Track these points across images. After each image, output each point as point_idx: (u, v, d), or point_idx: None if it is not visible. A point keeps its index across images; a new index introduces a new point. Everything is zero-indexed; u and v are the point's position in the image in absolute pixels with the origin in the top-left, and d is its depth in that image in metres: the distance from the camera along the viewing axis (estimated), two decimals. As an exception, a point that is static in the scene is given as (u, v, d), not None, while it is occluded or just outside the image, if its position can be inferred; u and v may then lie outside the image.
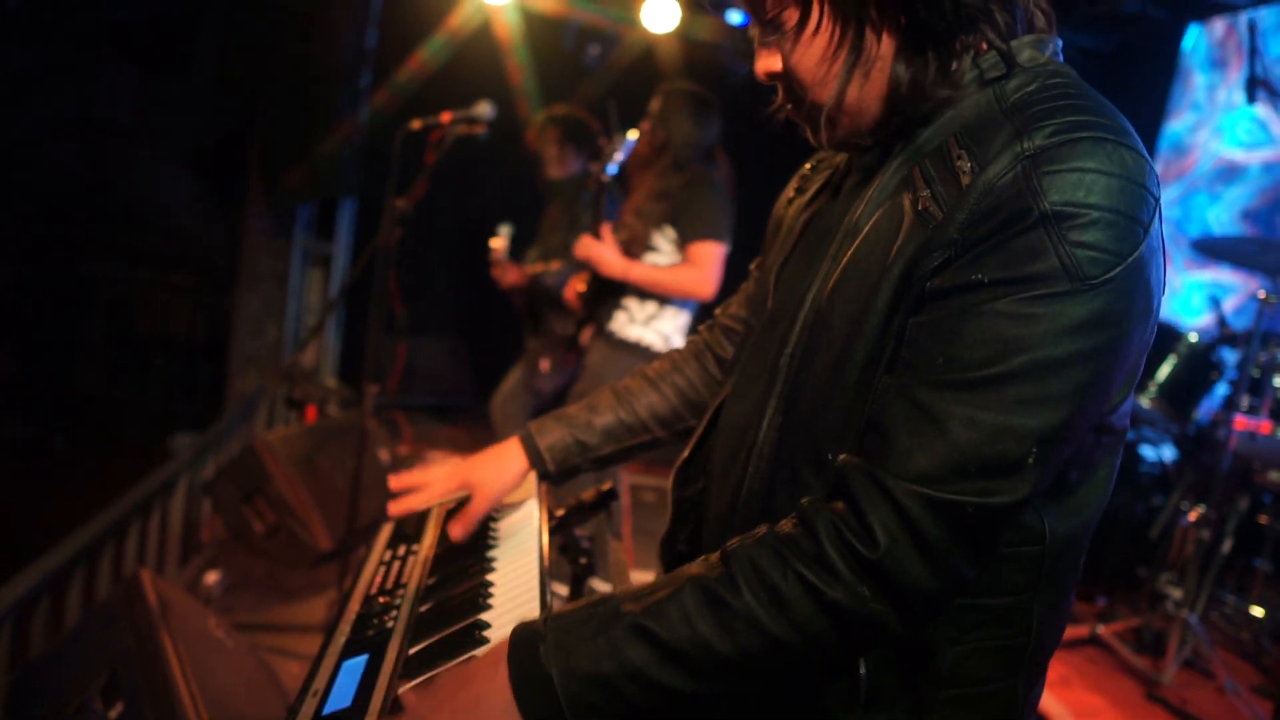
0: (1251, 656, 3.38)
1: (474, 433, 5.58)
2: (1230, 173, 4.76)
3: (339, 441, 3.50)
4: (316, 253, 5.79)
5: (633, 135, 2.76)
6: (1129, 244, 0.78)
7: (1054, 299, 0.77)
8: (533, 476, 1.36)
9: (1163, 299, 0.87)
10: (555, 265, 3.66)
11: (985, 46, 0.90)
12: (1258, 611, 3.42)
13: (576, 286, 3.05)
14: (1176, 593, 3.16)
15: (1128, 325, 0.80)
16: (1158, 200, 0.81)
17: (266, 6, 4.91)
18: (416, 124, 2.74)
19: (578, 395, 2.98)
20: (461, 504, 1.33)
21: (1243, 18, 4.85)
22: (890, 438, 0.82)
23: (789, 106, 0.99)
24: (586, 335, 3.10)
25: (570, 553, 1.42)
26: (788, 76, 0.95)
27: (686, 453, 1.21)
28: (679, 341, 3.04)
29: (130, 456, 5.29)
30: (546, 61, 5.69)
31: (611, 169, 2.73)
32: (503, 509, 1.39)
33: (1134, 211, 0.78)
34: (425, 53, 5.32)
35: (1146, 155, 0.82)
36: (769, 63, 0.96)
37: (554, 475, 1.35)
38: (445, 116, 2.74)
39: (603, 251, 2.80)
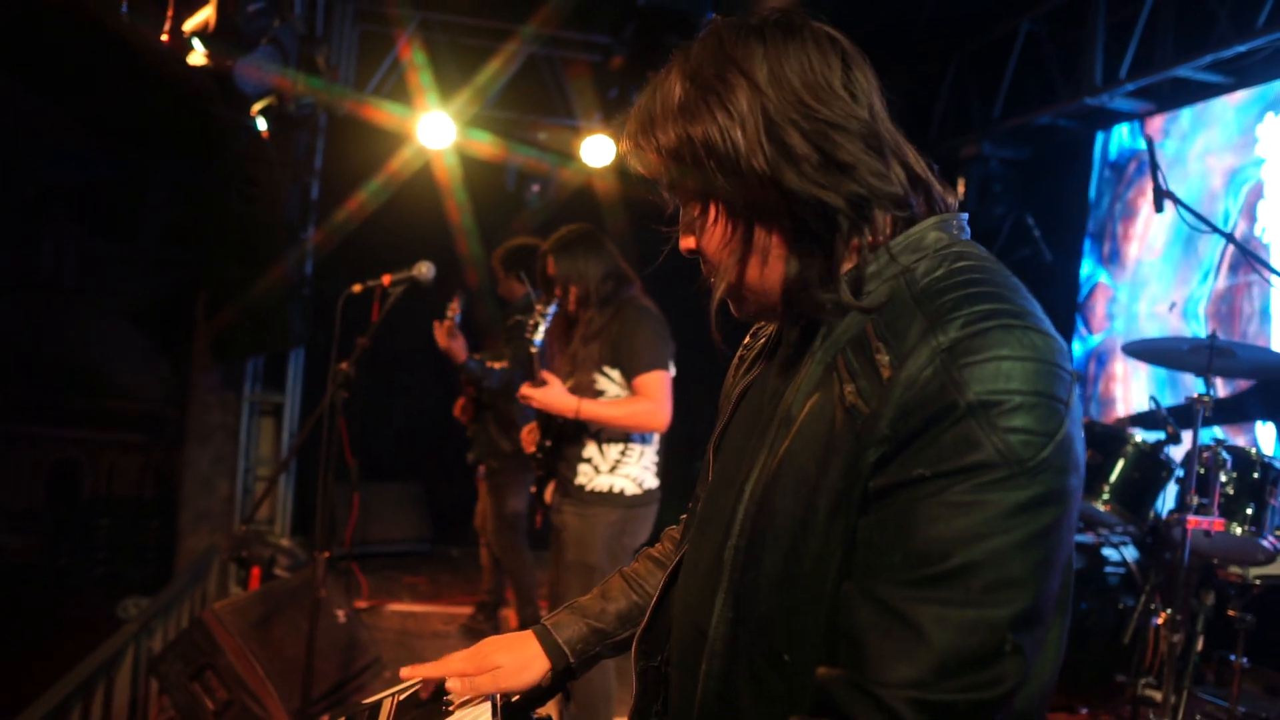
0: (1239, 757, 3.31)
1: (435, 580, 5.44)
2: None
3: (292, 606, 3.38)
4: (266, 403, 5.74)
5: (552, 308, 2.79)
6: (1054, 422, 0.81)
7: (996, 485, 0.79)
8: None
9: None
10: (500, 364, 3.91)
11: (884, 237, 0.94)
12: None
13: (531, 439, 3.02)
14: (1157, 696, 3.11)
15: (1068, 499, 0.83)
16: (1072, 375, 0.85)
17: (211, 167, 4.99)
18: (357, 288, 2.78)
19: (569, 565, 2.91)
20: (412, 691, 1.31)
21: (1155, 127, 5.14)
22: (866, 646, 0.83)
23: (711, 279, 1.04)
24: (549, 493, 3.05)
25: (528, 738, 1.37)
26: (702, 256, 1.02)
27: (645, 623, 1.20)
28: (652, 482, 3.01)
29: (75, 628, 5.07)
30: (488, 200, 5.83)
31: (539, 342, 2.74)
32: (458, 701, 1.34)
33: (1053, 390, 0.82)
34: (366, 197, 5.42)
35: (1054, 333, 0.86)
36: (687, 242, 1.03)
37: (574, 667, 1.34)
38: (385, 279, 2.77)
39: (549, 394, 2.78)
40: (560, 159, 5.83)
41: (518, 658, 1.31)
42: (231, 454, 5.56)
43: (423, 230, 5.29)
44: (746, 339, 1.25)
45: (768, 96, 0.91)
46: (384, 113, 5.40)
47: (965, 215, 0.99)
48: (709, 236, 0.98)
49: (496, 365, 3.89)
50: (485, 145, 5.69)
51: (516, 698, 1.36)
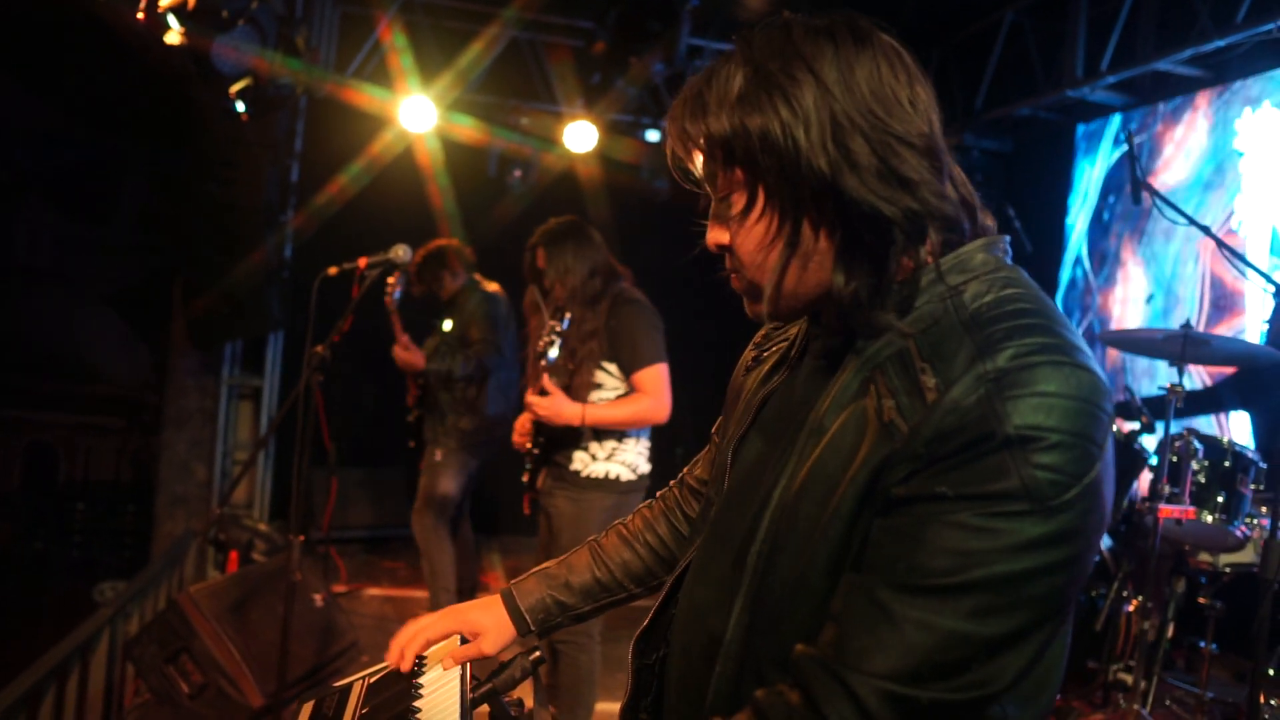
0: (1207, 742, 3.36)
1: (413, 564, 5.43)
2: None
3: (268, 590, 3.37)
4: (245, 387, 5.70)
5: (565, 323, 2.75)
6: (1085, 465, 0.82)
7: (1014, 517, 0.80)
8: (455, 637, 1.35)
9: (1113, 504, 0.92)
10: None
11: (933, 256, 0.93)
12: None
13: (523, 434, 3.00)
14: (1128, 680, 3.16)
15: (1083, 542, 0.83)
16: (1111, 417, 0.86)
17: (189, 150, 4.94)
18: (333, 271, 2.75)
19: (562, 546, 2.91)
20: (383, 674, 1.32)
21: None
22: (848, 634, 0.85)
23: (733, 276, 1.02)
24: (542, 480, 3.04)
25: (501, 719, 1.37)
26: (733, 253, 0.99)
27: (646, 623, 1.21)
28: (646, 467, 3.02)
29: (52, 612, 5.03)
30: (470, 185, 5.80)
31: (551, 358, 2.72)
32: (428, 678, 1.34)
33: (1090, 432, 0.82)
34: (346, 181, 5.38)
35: (1099, 371, 0.86)
36: (718, 235, 0.99)
37: (535, 634, 1.37)
38: (362, 262, 2.76)
39: (556, 406, 2.76)
40: (542, 144, 5.80)
41: (496, 617, 1.34)
42: (209, 438, 5.53)
43: (404, 215, 5.26)
44: (761, 333, 1.24)
45: (835, 99, 0.89)
46: (365, 95, 5.36)
47: (1009, 238, 1.00)
48: (748, 234, 0.95)
49: (417, 351, 4.03)
50: (467, 129, 5.65)
51: (487, 686, 1.36)
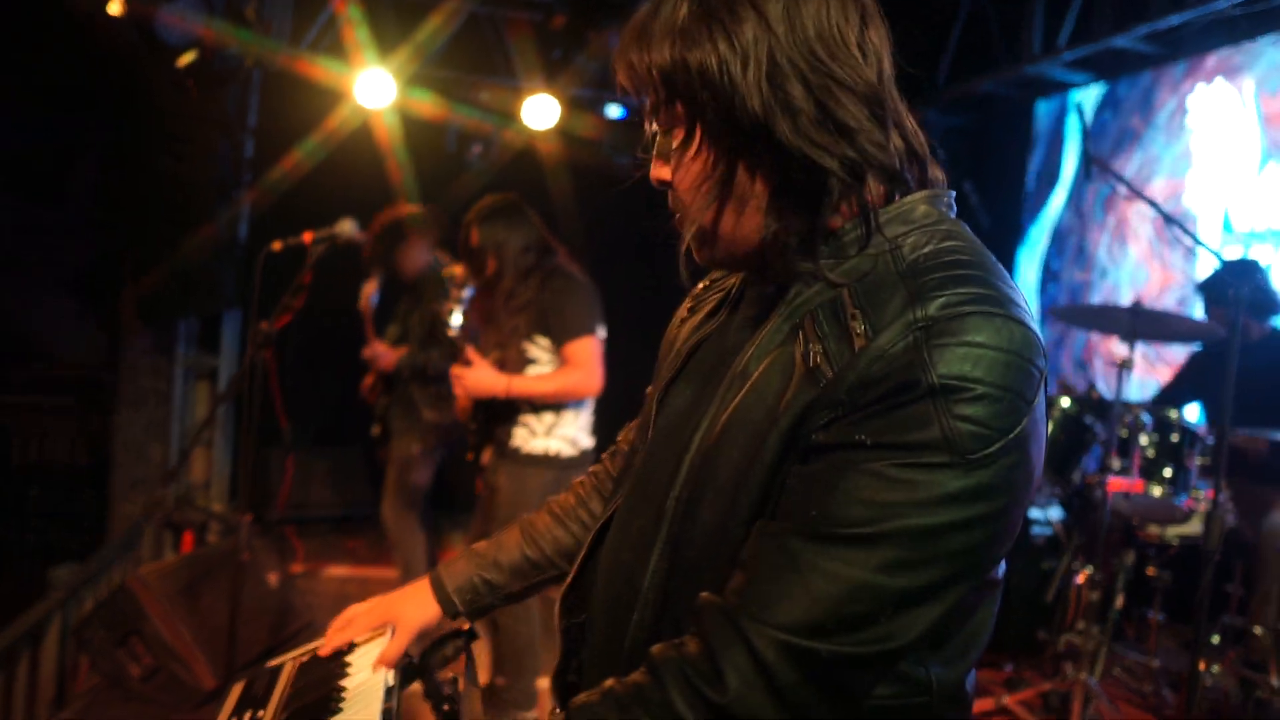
0: (1154, 709, 3.43)
1: (375, 544, 5.39)
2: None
3: (221, 571, 3.32)
4: (201, 367, 5.60)
5: (468, 291, 2.74)
6: (1011, 419, 0.79)
7: (932, 469, 0.78)
8: None
9: (1041, 465, 0.88)
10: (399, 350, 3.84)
11: (873, 206, 0.90)
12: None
13: (465, 403, 2.99)
14: (1079, 647, 3.21)
15: (1004, 499, 0.81)
16: (1042, 373, 0.83)
17: (138, 127, 4.83)
18: (277, 246, 2.70)
19: (501, 521, 2.90)
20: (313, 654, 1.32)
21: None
22: (754, 581, 0.83)
23: (676, 216, 0.99)
24: (487, 456, 3.03)
25: (433, 698, 1.36)
26: (673, 189, 0.96)
27: (570, 579, 1.19)
28: (587, 442, 3.01)
29: (10, 598, 4.92)
30: (429, 161, 5.72)
31: (456, 319, 2.69)
32: (357, 657, 1.33)
33: (1019, 387, 0.80)
34: (302, 156, 5.28)
35: (1033, 327, 0.84)
36: (660, 171, 0.96)
37: (466, 615, 1.34)
38: (307, 236, 2.71)
39: (478, 376, 2.75)
40: (502, 120, 5.73)
41: (418, 602, 1.32)
42: (165, 419, 5.43)
43: (362, 191, 5.17)
44: (700, 286, 1.21)
45: (776, 37, 0.85)
46: (320, 69, 5.25)
47: (954, 193, 0.97)
48: (685, 170, 0.93)
49: (393, 351, 3.88)
50: (425, 105, 5.57)
51: (419, 664, 1.35)
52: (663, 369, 1.15)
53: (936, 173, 0.97)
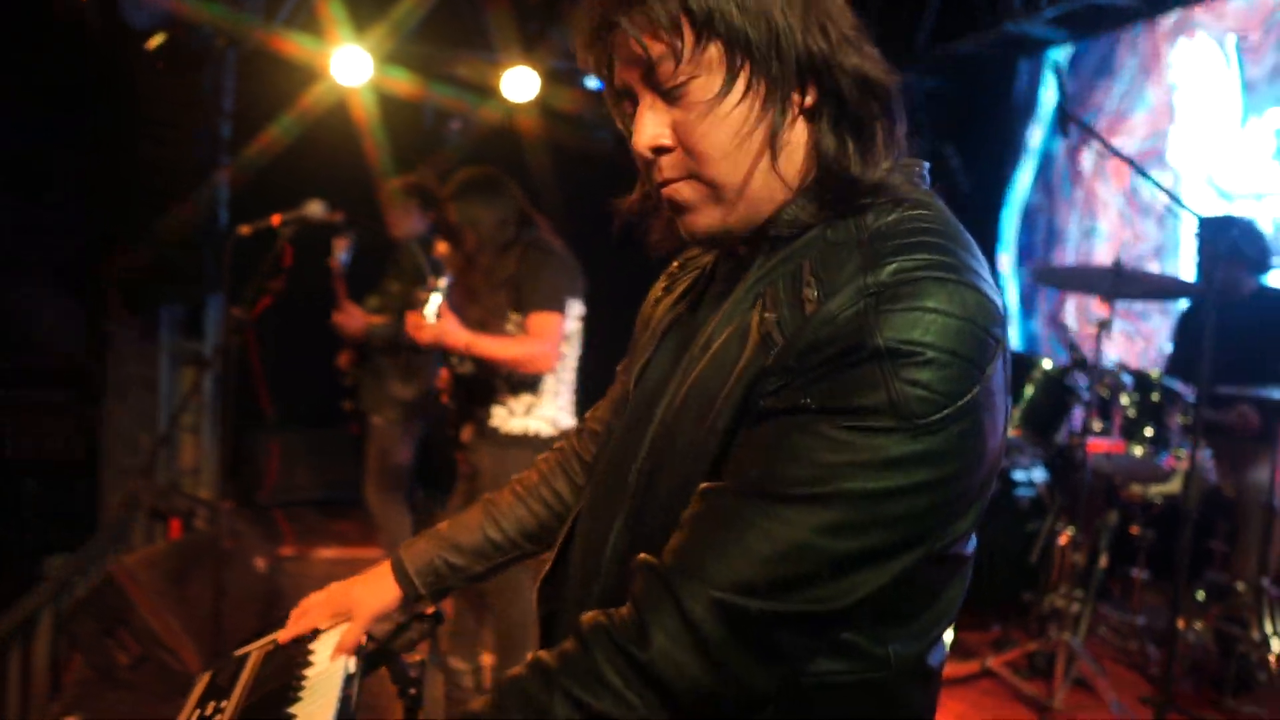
0: (1139, 666, 3.47)
1: (364, 525, 5.40)
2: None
3: (208, 558, 3.33)
4: (186, 353, 5.58)
5: (445, 281, 2.68)
6: (961, 386, 0.77)
7: (876, 433, 0.77)
8: None
9: (1002, 441, 0.87)
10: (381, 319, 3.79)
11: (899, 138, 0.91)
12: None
13: (443, 386, 2.96)
14: (1064, 608, 3.23)
15: (953, 466, 0.79)
16: (999, 342, 0.81)
17: (120, 115, 4.78)
18: (245, 229, 2.67)
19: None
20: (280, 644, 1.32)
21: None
22: (690, 539, 0.83)
23: (667, 189, 0.93)
24: (467, 434, 3.01)
25: (400, 682, 1.36)
26: (687, 151, 0.89)
27: (548, 568, 1.18)
28: (568, 421, 2.98)
29: (6, 595, 4.92)
30: (406, 137, 5.66)
31: (432, 311, 2.64)
32: (321, 648, 1.33)
33: (971, 354, 0.78)
34: (279, 135, 5.22)
35: (992, 294, 0.82)
36: (658, 134, 0.89)
37: (428, 597, 1.33)
38: (275, 219, 2.68)
39: (443, 327, 2.69)
40: (480, 97, 5.67)
41: (374, 586, 1.31)
42: (152, 407, 5.43)
43: (344, 170, 5.12)
44: (675, 265, 1.18)
45: None
46: (295, 45, 5.18)
47: (928, 165, 0.96)
48: (720, 122, 0.86)
49: (377, 319, 3.80)
50: (402, 83, 5.50)
51: (384, 649, 1.35)
52: (637, 348, 1.14)
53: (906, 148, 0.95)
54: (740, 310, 0.91)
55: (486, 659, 3.08)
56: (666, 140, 0.89)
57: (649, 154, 0.91)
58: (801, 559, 0.78)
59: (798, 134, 0.89)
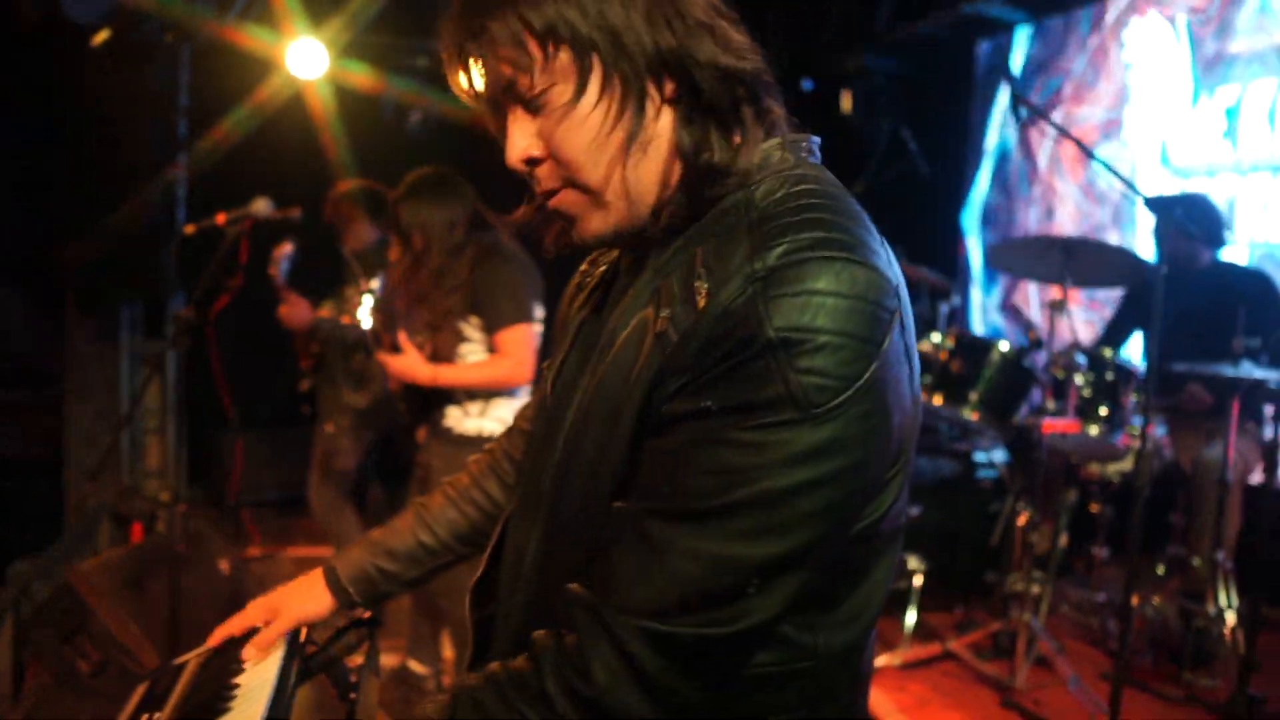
0: (1099, 643, 3.51)
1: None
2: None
3: (169, 561, 3.29)
4: (148, 353, 5.51)
5: (375, 284, 2.65)
6: (857, 367, 0.76)
7: (780, 427, 0.76)
8: None
9: (910, 410, 0.86)
10: (345, 319, 3.65)
11: (775, 117, 0.91)
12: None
13: (396, 384, 2.93)
14: (1025, 589, 3.26)
15: (860, 450, 0.79)
16: (894, 313, 0.80)
17: (69, 113, 4.69)
18: (190, 229, 2.64)
19: None
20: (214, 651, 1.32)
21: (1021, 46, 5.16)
22: (615, 568, 0.83)
23: (552, 200, 0.92)
24: (421, 434, 2.99)
25: (340, 687, 1.35)
26: (556, 159, 0.89)
27: (479, 573, 1.18)
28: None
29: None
30: (365, 131, 5.58)
31: (365, 315, 2.61)
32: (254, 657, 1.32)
33: (864, 332, 0.77)
34: (235, 130, 5.14)
35: (883, 268, 0.81)
36: (528, 146, 0.89)
37: (363, 605, 1.33)
38: (220, 218, 2.64)
39: (407, 363, 2.68)
40: (442, 92, 5.60)
41: (303, 592, 1.31)
42: (114, 407, 5.36)
43: (305, 167, 5.05)
44: (585, 265, 1.18)
45: None
46: (249, 38, 5.09)
47: (817, 140, 0.94)
48: (579, 127, 0.86)
49: (324, 313, 3.69)
50: (361, 76, 5.43)
51: (313, 648, 1.34)
52: (557, 347, 1.14)
53: (789, 125, 0.94)
54: (637, 308, 0.90)
55: (449, 654, 3.08)
56: (536, 151, 0.89)
57: (522, 166, 0.91)
58: (728, 572, 0.78)
59: (664, 128, 0.88)
